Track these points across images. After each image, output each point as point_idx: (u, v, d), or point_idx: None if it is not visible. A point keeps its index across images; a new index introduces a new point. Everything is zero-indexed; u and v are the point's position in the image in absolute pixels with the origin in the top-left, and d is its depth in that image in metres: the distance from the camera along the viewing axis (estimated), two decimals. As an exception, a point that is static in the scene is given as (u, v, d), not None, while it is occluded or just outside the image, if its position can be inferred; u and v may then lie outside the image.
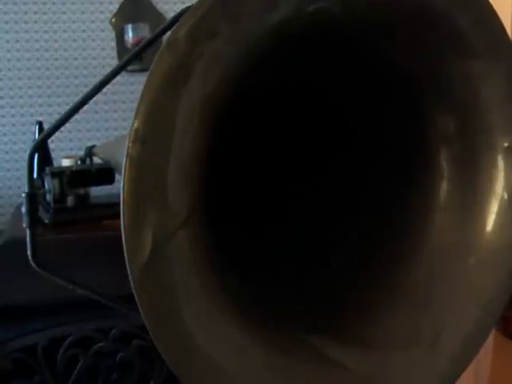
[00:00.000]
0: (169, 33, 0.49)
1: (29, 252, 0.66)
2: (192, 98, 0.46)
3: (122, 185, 0.42)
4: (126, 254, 0.42)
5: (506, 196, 0.59)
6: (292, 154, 0.74)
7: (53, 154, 1.43)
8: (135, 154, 0.43)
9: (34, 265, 0.66)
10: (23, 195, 0.67)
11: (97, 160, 1.36)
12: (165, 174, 0.44)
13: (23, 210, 0.67)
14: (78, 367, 1.19)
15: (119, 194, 0.43)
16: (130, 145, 0.42)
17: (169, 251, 0.45)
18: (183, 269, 0.46)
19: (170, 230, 0.45)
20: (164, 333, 0.45)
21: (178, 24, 0.45)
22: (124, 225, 0.42)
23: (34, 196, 0.68)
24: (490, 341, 1.50)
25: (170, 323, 0.45)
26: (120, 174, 0.44)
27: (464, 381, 1.43)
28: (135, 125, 0.43)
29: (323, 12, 0.52)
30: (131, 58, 0.63)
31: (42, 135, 0.69)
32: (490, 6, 0.55)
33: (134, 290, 0.43)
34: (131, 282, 0.43)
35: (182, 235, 0.45)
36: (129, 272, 0.43)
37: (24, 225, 0.67)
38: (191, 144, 0.46)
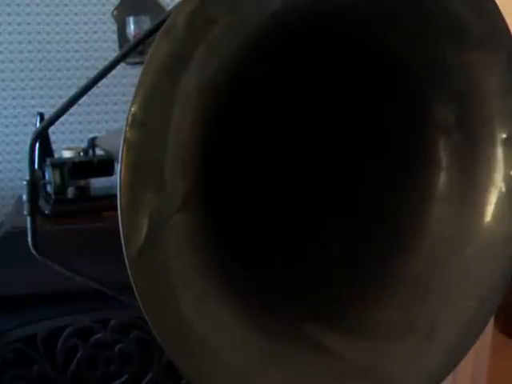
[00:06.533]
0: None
1: (29, 239, 0.67)
2: (189, 86, 0.46)
3: (119, 168, 0.43)
4: (122, 236, 0.43)
5: (504, 187, 0.59)
6: (293, 141, 0.74)
7: (54, 146, 1.43)
8: (132, 138, 0.43)
9: (34, 252, 0.67)
10: (24, 182, 0.67)
11: (99, 152, 1.37)
12: (162, 158, 0.44)
13: (24, 197, 0.68)
14: (76, 357, 1.19)
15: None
16: (127, 129, 0.42)
17: (165, 234, 0.45)
18: (179, 252, 0.46)
19: (167, 214, 0.45)
20: (159, 315, 0.45)
21: (175, 11, 0.45)
22: (121, 207, 0.43)
23: (35, 184, 0.68)
24: (488, 341, 1.50)
25: (165, 306, 0.46)
26: (118, 162, 0.44)
27: (462, 381, 1.42)
28: (133, 109, 0.43)
29: (322, 2, 0.52)
30: (133, 47, 0.63)
31: (43, 123, 0.69)
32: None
33: (129, 272, 0.43)
34: (127, 264, 0.43)
35: (178, 219, 0.45)
36: (125, 254, 0.43)
37: (25, 212, 0.67)
38: (189, 130, 0.46)
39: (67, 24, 1.83)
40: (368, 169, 0.70)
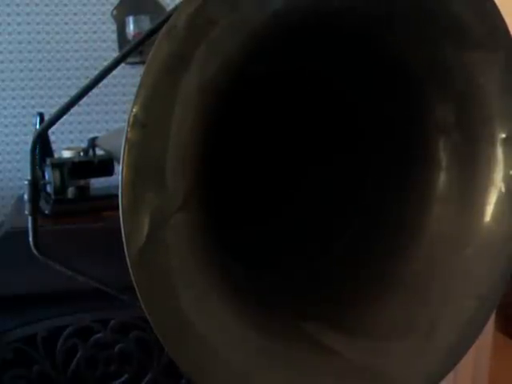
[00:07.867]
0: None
1: (30, 239, 0.67)
2: (190, 85, 0.46)
3: (120, 168, 0.43)
4: (123, 236, 0.43)
5: (504, 187, 0.59)
6: (294, 141, 0.75)
7: (54, 146, 1.43)
8: (134, 138, 0.43)
9: (35, 251, 0.67)
10: (26, 182, 0.67)
11: (99, 152, 1.37)
12: (163, 157, 0.45)
13: (26, 197, 0.68)
14: (76, 357, 1.19)
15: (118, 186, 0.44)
16: (128, 129, 0.43)
17: (165, 233, 0.45)
18: (180, 252, 0.46)
19: (167, 213, 0.45)
20: (160, 315, 0.45)
21: (177, 11, 0.45)
22: (122, 207, 0.43)
23: (37, 184, 0.68)
24: (489, 341, 1.50)
25: (166, 306, 0.46)
26: (119, 163, 0.44)
27: (463, 381, 1.43)
28: (134, 110, 0.43)
29: (323, 2, 0.52)
30: (133, 48, 0.63)
31: (43, 124, 0.70)
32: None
33: (130, 271, 0.43)
34: (128, 263, 0.43)
35: (179, 218, 0.46)
36: (126, 253, 0.43)
37: (26, 212, 0.68)
38: (190, 129, 0.46)
39: (67, 24, 1.82)
40: (368, 168, 0.70)
